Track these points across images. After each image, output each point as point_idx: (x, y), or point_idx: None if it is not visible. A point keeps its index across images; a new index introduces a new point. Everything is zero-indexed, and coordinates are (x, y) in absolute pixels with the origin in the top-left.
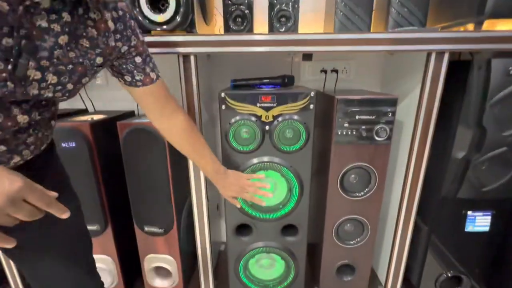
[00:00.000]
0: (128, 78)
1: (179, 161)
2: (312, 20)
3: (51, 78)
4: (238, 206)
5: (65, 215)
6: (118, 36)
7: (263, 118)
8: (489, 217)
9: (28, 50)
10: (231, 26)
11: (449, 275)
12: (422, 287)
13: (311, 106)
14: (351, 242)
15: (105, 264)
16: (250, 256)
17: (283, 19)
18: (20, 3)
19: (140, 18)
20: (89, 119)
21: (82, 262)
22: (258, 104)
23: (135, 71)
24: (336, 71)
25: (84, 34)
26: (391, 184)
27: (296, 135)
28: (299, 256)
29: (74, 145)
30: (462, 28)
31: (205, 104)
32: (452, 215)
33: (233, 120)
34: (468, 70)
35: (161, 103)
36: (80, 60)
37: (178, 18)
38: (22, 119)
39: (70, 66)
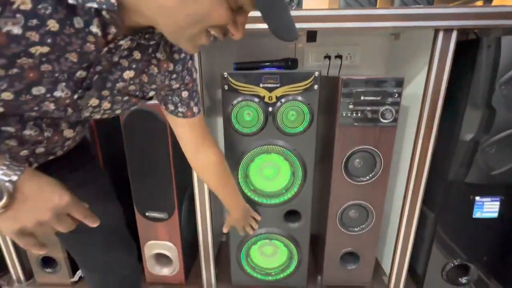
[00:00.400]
0: (171, 107)
1: None
2: (316, 2)
3: (105, 105)
4: (225, 231)
5: (95, 224)
6: (174, 75)
7: (266, 99)
8: (498, 203)
9: (98, 85)
10: None
11: (456, 263)
12: (428, 276)
13: (315, 87)
14: (356, 229)
15: None
16: (252, 243)
17: (286, 0)
18: (105, 45)
19: None
20: None
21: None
22: (261, 85)
23: (179, 103)
24: (340, 57)
25: (146, 70)
26: (396, 169)
27: (299, 117)
28: (302, 243)
29: None
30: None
31: (207, 92)
32: (459, 201)
33: (235, 101)
34: (476, 49)
35: (197, 135)
36: (137, 93)
37: None
38: (68, 133)
39: (126, 97)
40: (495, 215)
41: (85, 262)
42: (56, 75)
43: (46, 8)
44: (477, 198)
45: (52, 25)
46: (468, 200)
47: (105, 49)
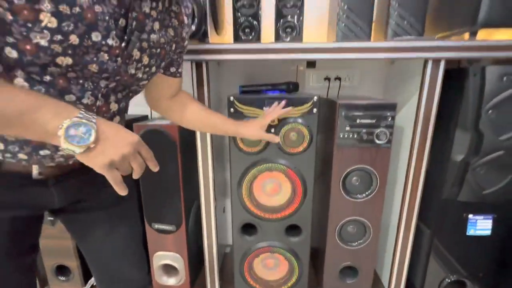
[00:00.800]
0: (173, 69)
1: (190, 162)
2: (315, 31)
3: (145, 60)
4: (277, 140)
5: (156, 168)
6: (186, 29)
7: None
8: (490, 221)
9: (138, 29)
10: (241, 36)
11: (452, 279)
12: None
13: (314, 110)
14: (354, 244)
15: None
16: (255, 256)
17: (288, 29)
18: None
19: None
20: None
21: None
22: (264, 108)
23: (181, 64)
24: (339, 79)
25: (170, 24)
26: (393, 187)
27: (300, 138)
28: (302, 256)
29: None
30: (458, 37)
31: (214, 109)
32: (453, 218)
33: None
34: (464, 77)
35: (180, 87)
36: (165, 46)
37: (193, 27)
38: (114, 107)
39: (158, 49)
40: (488, 232)
41: (98, 272)
42: (106, 18)
43: None
44: (470, 216)
45: None
46: (461, 218)
47: None
